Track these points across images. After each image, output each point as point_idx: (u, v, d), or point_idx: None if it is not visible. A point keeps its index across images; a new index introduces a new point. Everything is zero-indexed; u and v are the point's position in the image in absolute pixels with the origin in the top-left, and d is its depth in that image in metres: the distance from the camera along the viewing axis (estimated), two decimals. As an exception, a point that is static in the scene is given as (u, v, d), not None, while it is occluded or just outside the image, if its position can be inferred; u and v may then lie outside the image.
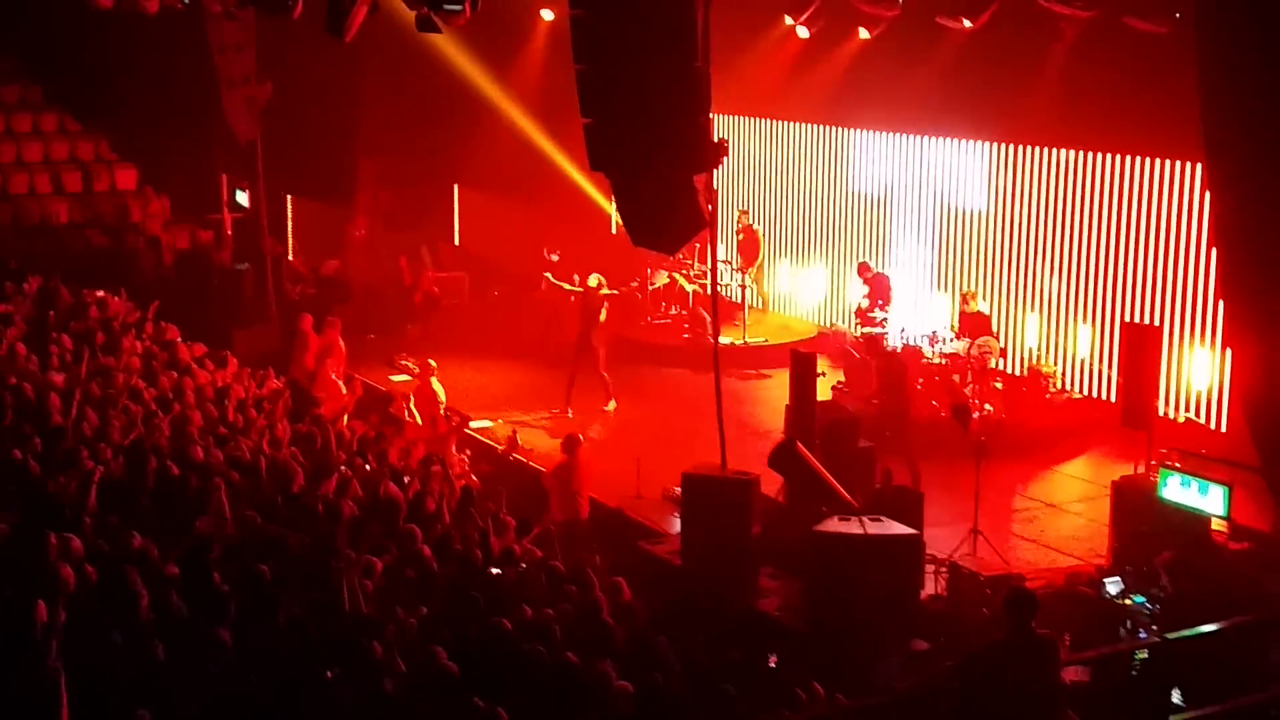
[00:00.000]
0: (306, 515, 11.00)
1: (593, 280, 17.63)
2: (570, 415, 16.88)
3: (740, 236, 20.86)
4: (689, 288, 20.22)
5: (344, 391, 15.50)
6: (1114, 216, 16.65)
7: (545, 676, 8.33)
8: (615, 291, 18.13)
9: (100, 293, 17.70)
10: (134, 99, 22.56)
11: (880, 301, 17.72)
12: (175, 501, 10.85)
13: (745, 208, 21.40)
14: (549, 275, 19.02)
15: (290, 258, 22.98)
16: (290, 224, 24.01)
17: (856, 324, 18.09)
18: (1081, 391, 17.00)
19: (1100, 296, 16.87)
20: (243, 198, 22.49)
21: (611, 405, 17.34)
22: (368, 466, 12.48)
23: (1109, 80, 15.55)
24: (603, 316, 17.46)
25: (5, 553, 9.24)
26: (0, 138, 22.97)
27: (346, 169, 23.57)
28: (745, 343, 19.42)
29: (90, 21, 19.09)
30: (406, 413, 15.23)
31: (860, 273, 18.52)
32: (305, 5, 14.37)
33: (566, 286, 18.55)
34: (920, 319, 17.85)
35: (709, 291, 15.92)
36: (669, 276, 20.70)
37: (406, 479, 12.32)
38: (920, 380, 16.37)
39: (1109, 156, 16.65)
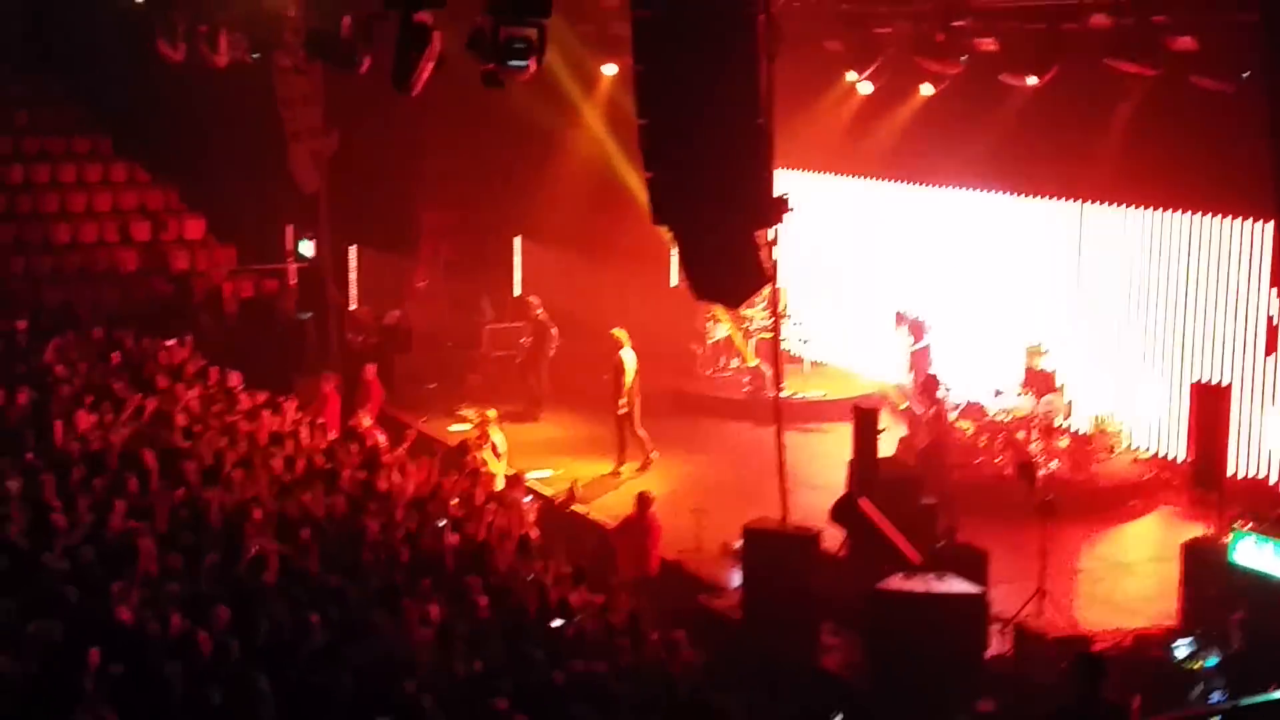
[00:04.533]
0: (367, 564, 11.02)
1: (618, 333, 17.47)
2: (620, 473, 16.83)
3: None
4: (750, 342, 20.18)
5: (381, 441, 15.53)
6: (1181, 274, 16.47)
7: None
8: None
9: (170, 341, 17.92)
10: (202, 150, 22.92)
11: (914, 339, 17.97)
12: (229, 547, 10.89)
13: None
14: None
15: (353, 307, 23.18)
16: (353, 274, 24.23)
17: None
18: (1149, 450, 16.77)
19: (1168, 354, 16.66)
20: (307, 248, 22.75)
21: (629, 467, 16.91)
22: (441, 520, 12.46)
23: (1176, 138, 15.40)
24: (629, 376, 17.07)
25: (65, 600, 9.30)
26: (71, 187, 23.39)
27: (409, 220, 23.83)
28: (805, 396, 19.33)
29: (161, 74, 19.44)
30: (481, 463, 15.22)
31: (899, 322, 18.52)
32: (372, 60, 14.55)
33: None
34: (985, 376, 17.70)
35: (770, 344, 15.89)
36: (729, 330, 20.68)
37: (467, 529, 12.31)
38: (984, 437, 16.22)
39: (1176, 214, 16.48)
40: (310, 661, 8.96)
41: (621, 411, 17.07)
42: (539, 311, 19.86)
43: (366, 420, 16.01)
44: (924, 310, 18.47)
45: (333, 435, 15.45)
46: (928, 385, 16.17)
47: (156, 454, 12.93)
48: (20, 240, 22.35)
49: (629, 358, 17.18)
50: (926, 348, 18.18)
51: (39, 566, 10.05)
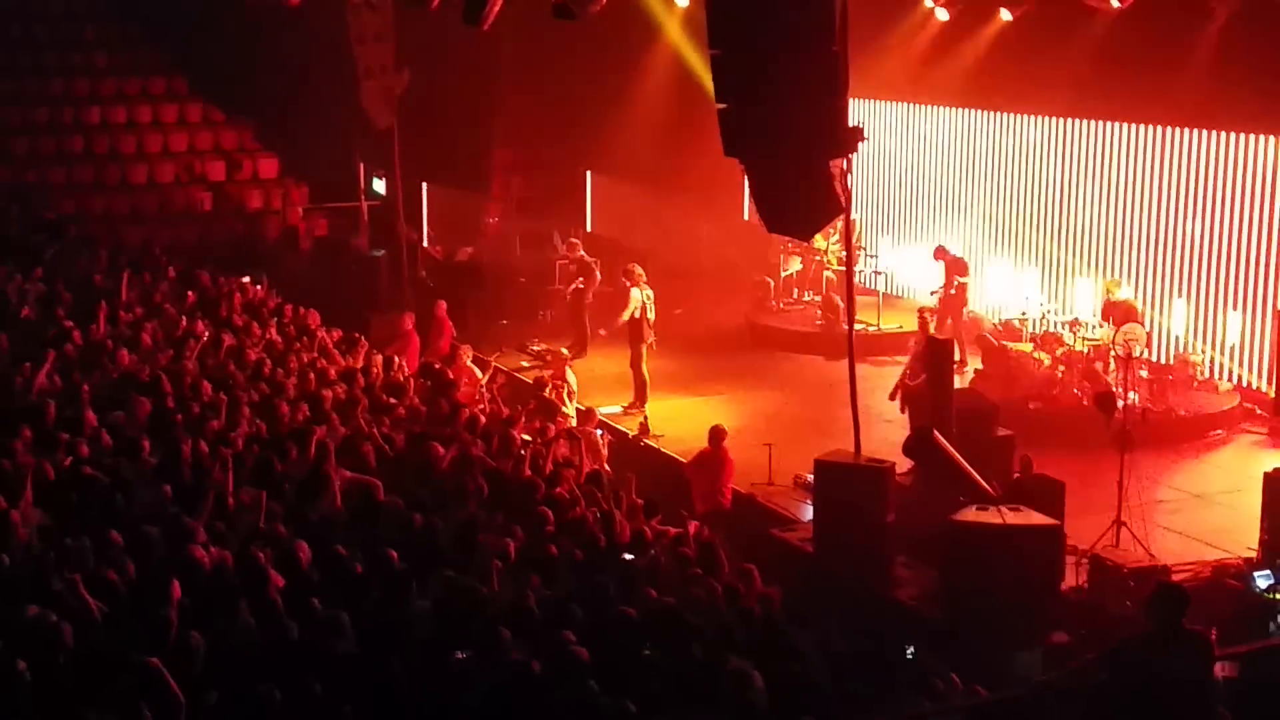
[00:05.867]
0: (441, 497, 11.10)
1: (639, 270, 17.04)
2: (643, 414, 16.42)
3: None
4: (827, 272, 20.04)
5: (479, 376, 15.64)
6: (1265, 200, 16.12)
7: (676, 667, 8.28)
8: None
9: (245, 279, 18.10)
10: (276, 89, 23.02)
11: (946, 282, 18.06)
12: (305, 483, 10.98)
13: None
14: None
15: (425, 244, 23.27)
16: (425, 211, 24.30)
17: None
18: (1230, 380, 16.49)
19: (1251, 282, 16.35)
20: (379, 185, 22.83)
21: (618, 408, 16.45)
22: (522, 450, 12.50)
23: (1262, 61, 15.04)
24: (639, 310, 16.63)
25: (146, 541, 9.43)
26: (148, 128, 23.63)
27: (481, 156, 23.81)
28: (879, 329, 19.17)
29: (234, 13, 19.53)
30: (559, 396, 15.29)
31: (938, 255, 18.37)
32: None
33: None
34: (1064, 305, 17.50)
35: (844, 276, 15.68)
36: (802, 262, 20.54)
37: (539, 462, 12.36)
38: (1062, 368, 16.05)
39: (1262, 139, 16.12)
40: (387, 595, 9.05)
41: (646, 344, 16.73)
42: (581, 253, 19.73)
43: (468, 357, 16.09)
44: (964, 249, 18.48)
45: (411, 372, 15.56)
46: (921, 319, 15.59)
47: (231, 389, 13.06)
48: (99, 180, 22.64)
49: (635, 296, 16.77)
50: (963, 286, 18.03)
51: (114, 505, 10.19)
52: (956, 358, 15.63)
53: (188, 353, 14.20)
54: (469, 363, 16.03)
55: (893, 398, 15.01)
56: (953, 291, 18.20)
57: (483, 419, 13.43)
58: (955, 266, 18.36)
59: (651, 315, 16.82)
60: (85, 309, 15.39)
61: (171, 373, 13.30)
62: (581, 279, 19.31)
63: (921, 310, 16.14)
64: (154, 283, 17.11)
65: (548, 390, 15.24)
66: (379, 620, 8.54)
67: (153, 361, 13.81)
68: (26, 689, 7.30)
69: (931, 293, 18.63)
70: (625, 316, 16.78)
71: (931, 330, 15.53)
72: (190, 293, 16.70)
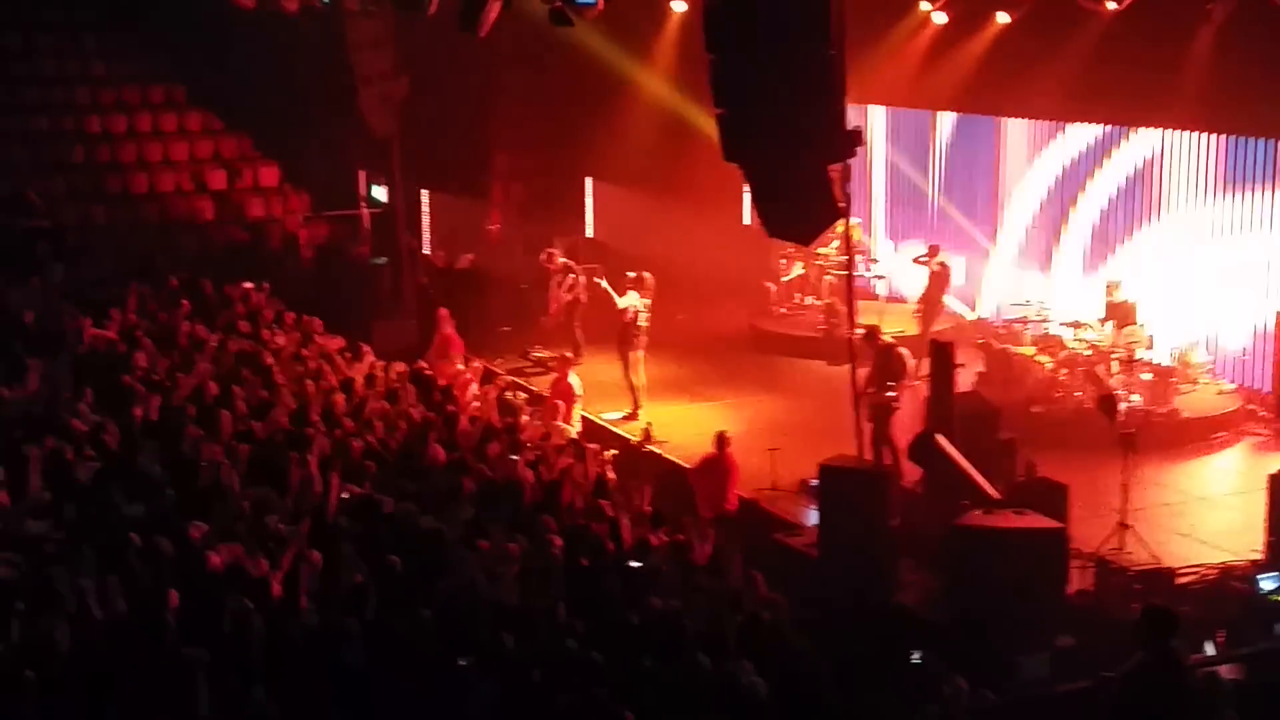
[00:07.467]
0: (441, 502, 11.11)
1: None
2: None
3: None
4: (828, 277, 20.01)
5: (472, 381, 15.66)
6: (1265, 202, 16.11)
7: (679, 673, 8.28)
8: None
9: (247, 285, 18.13)
10: (275, 97, 23.02)
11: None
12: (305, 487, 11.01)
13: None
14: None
15: (426, 251, 23.26)
16: (426, 218, 24.30)
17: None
18: (1234, 381, 16.48)
19: (1252, 284, 16.33)
20: (380, 193, 22.84)
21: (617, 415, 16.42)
22: (514, 456, 12.53)
23: (1259, 63, 15.03)
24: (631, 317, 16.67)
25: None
26: (148, 137, 23.61)
27: (481, 163, 23.84)
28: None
29: (233, 22, 19.52)
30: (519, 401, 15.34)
31: (931, 254, 18.29)
32: (440, 2, 14.51)
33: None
34: (1066, 307, 17.49)
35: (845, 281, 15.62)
36: (804, 267, 20.53)
37: (540, 468, 12.37)
38: (1064, 371, 16.04)
39: (1259, 141, 16.11)
40: (390, 602, 9.05)
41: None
42: (561, 260, 19.64)
43: (460, 364, 16.10)
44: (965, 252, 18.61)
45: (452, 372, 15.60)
46: (871, 331, 15.11)
47: (236, 395, 13.08)
48: (99, 190, 22.63)
49: (630, 298, 16.75)
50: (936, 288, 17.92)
51: (115, 510, 10.20)
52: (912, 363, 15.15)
53: (195, 358, 14.24)
54: (460, 366, 16.04)
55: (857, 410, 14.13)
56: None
57: (484, 423, 13.46)
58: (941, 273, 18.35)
59: (643, 323, 16.78)
60: (90, 317, 15.43)
61: (178, 378, 13.35)
62: (569, 287, 19.24)
63: (871, 328, 15.62)
64: (157, 291, 17.14)
65: (511, 394, 15.34)
66: (383, 628, 8.55)
67: (159, 367, 13.86)
68: (33, 696, 7.31)
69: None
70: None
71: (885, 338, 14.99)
72: (193, 300, 16.75)
